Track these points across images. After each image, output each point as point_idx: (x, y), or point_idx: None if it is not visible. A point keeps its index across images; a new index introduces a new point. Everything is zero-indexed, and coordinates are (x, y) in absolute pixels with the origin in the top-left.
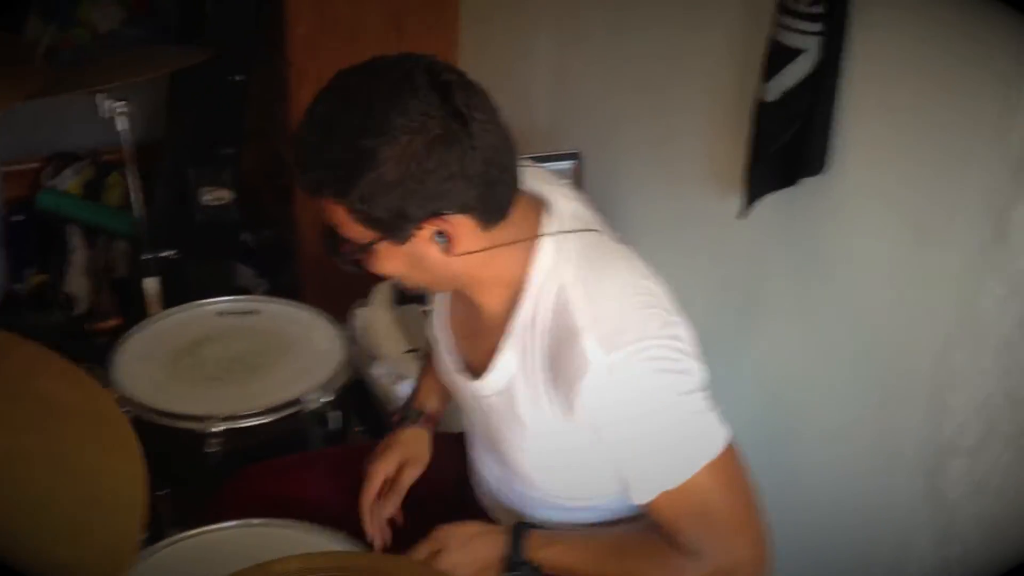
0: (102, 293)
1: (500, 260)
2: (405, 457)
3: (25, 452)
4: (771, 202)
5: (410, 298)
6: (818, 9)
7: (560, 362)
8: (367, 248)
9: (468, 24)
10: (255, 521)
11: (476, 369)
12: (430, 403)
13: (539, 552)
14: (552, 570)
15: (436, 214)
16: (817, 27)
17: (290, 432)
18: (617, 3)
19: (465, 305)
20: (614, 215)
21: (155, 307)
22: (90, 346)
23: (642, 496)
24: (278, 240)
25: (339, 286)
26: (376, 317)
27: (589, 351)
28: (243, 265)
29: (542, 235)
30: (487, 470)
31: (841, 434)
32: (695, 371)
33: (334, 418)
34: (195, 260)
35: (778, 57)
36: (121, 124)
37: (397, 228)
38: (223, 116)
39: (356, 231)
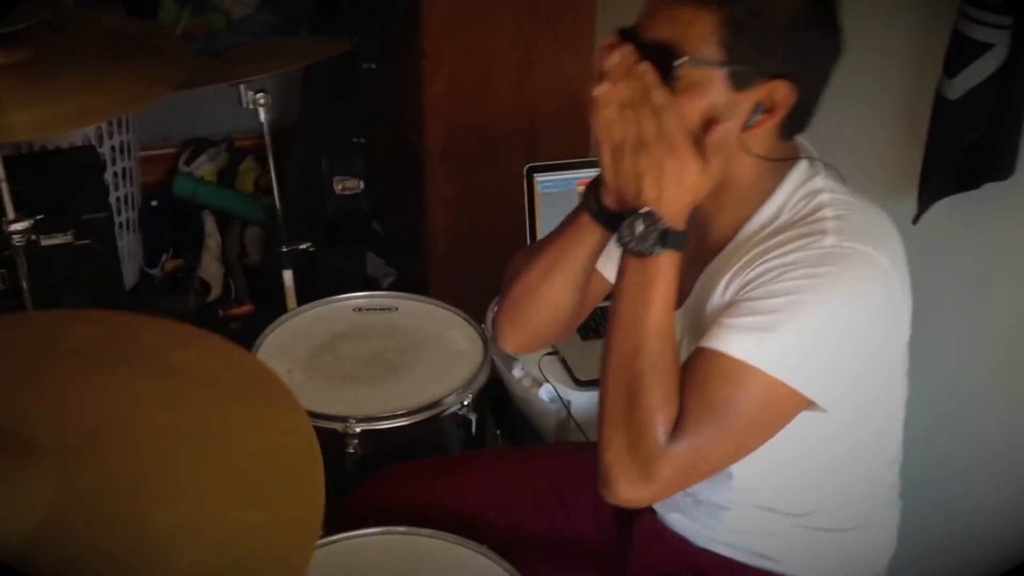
0: (234, 279)
1: (763, 167)
2: None
3: (185, 427)
4: (947, 205)
5: None
6: None
7: (791, 234)
8: (699, 65)
9: (605, 9)
10: (399, 529)
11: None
12: None
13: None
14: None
15: (786, 75)
16: (1006, 20)
17: (429, 435)
18: None
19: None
20: None
21: (291, 300)
22: (223, 332)
23: (718, 340)
24: (407, 229)
25: (468, 277)
26: None
27: (829, 228)
28: (372, 254)
29: (801, 158)
30: None
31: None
32: (896, 324)
33: (473, 421)
34: (326, 249)
35: (962, 52)
36: (262, 115)
37: (749, 67)
38: (355, 105)
39: (706, 50)
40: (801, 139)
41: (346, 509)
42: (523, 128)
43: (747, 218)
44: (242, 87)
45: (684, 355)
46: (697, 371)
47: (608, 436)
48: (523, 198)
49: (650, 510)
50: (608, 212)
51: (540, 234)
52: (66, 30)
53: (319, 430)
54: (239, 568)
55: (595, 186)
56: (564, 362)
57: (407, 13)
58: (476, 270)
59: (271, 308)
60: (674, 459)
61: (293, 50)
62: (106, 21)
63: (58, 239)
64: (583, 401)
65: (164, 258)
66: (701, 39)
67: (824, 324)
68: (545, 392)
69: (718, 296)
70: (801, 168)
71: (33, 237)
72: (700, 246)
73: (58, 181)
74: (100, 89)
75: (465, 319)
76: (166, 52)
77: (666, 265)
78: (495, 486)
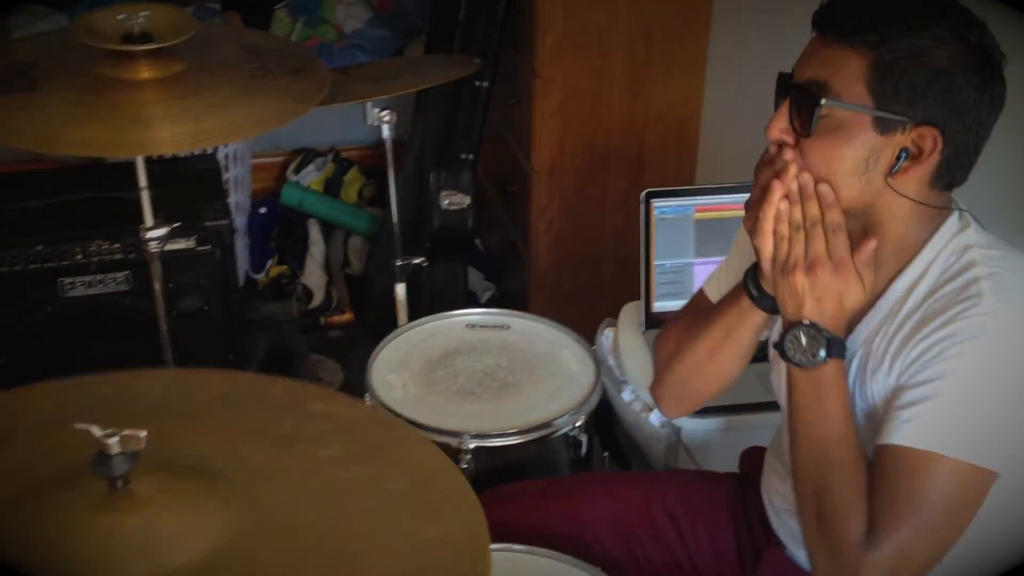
0: (336, 287)
1: (914, 219)
2: None
3: (347, 458)
4: None
5: (657, 322)
6: None
7: (942, 301)
8: (845, 106)
9: (719, 32)
10: (517, 547)
11: None
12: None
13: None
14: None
15: (934, 123)
16: None
17: (539, 454)
18: None
19: None
20: None
21: (402, 313)
22: (323, 339)
23: (894, 434)
24: (508, 246)
25: (568, 295)
26: (625, 340)
27: (985, 287)
28: (472, 268)
29: (956, 208)
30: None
31: None
32: None
33: (584, 443)
34: (432, 263)
35: None
36: (386, 131)
37: (896, 112)
38: (465, 121)
39: (853, 91)
40: (951, 193)
41: None
42: (631, 150)
43: (898, 272)
44: (368, 104)
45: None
46: (882, 470)
47: (811, 552)
48: (639, 223)
49: (779, 544)
50: (771, 299)
51: (655, 259)
52: (212, 46)
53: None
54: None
55: (754, 272)
56: None
57: (521, 33)
58: (577, 289)
59: (370, 317)
60: (877, 565)
61: (417, 69)
62: (246, 38)
63: (181, 244)
64: (694, 427)
65: (269, 264)
66: (850, 80)
67: (996, 393)
68: (656, 417)
69: (882, 376)
70: (952, 221)
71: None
72: None
73: (182, 188)
74: (244, 106)
75: (576, 339)
76: (306, 69)
77: (835, 373)
78: (609, 511)
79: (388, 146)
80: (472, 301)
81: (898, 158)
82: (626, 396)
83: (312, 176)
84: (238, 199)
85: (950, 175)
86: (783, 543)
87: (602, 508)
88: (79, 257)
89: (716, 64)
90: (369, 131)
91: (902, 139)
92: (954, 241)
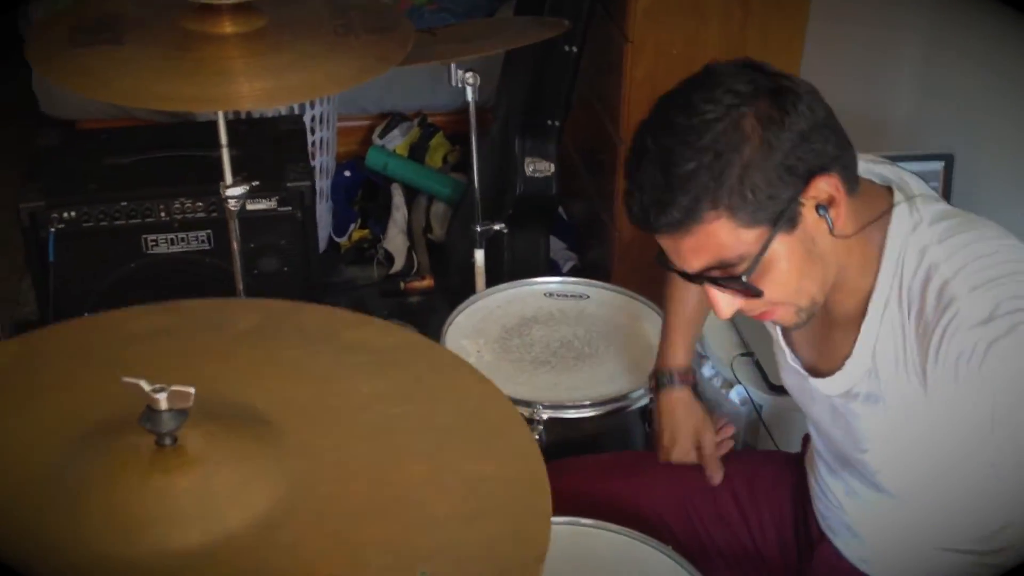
0: (417, 253)
1: (860, 240)
2: (693, 431)
3: (391, 392)
4: None
5: None
6: None
7: (925, 320)
8: (761, 256)
9: (818, 7)
10: (584, 521)
11: (823, 372)
12: (678, 357)
13: None
14: None
15: (812, 173)
16: None
17: (613, 427)
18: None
19: None
20: None
21: (480, 280)
22: (403, 304)
23: None
24: (592, 215)
25: (652, 268)
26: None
27: (955, 290)
28: (554, 237)
29: (896, 204)
30: (843, 499)
31: None
32: None
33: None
34: (513, 231)
35: None
36: (470, 94)
37: (784, 207)
38: (553, 87)
39: (745, 242)
40: (884, 170)
41: None
42: None
43: (869, 290)
44: (453, 66)
45: (830, 429)
46: None
47: None
48: None
49: (829, 542)
50: None
51: None
52: (296, 2)
53: None
54: (491, 513)
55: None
56: (758, 364)
57: None
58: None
59: (451, 284)
60: None
61: (504, 31)
62: None
63: (262, 204)
64: (776, 406)
65: (352, 228)
66: (734, 241)
67: None
68: (736, 394)
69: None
70: (899, 219)
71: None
72: (830, 316)
73: (267, 148)
74: (326, 63)
75: (657, 312)
76: (390, 27)
77: None
78: (674, 490)
79: (471, 108)
80: (554, 270)
81: (821, 216)
82: (706, 372)
83: (397, 140)
84: (323, 162)
85: (851, 171)
86: (831, 539)
87: (667, 487)
88: (162, 215)
89: (815, 31)
90: (455, 95)
91: (808, 207)
92: (911, 242)
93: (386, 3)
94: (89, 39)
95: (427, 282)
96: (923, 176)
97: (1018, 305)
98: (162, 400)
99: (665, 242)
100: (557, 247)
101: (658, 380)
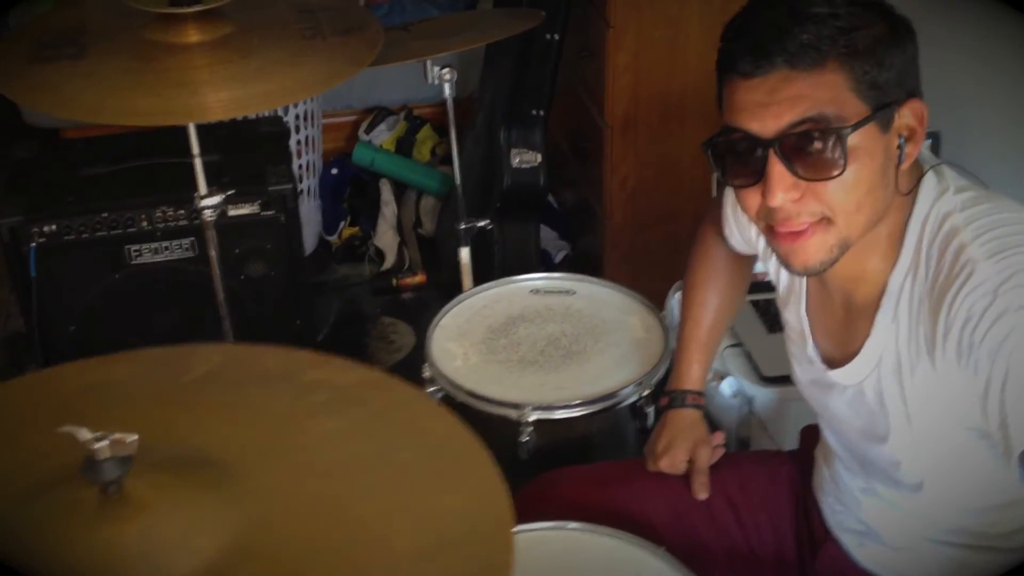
0: (408, 249)
1: (898, 208)
2: (692, 444)
3: (353, 429)
4: None
5: None
6: None
7: (939, 286)
8: (861, 125)
9: None
10: (572, 525)
11: (840, 362)
12: (692, 379)
13: None
14: None
15: (912, 94)
16: None
17: (604, 427)
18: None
19: (821, 292)
20: None
21: (467, 277)
22: (396, 301)
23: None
24: (583, 204)
25: (644, 254)
26: None
27: (972, 253)
28: (545, 227)
29: (926, 172)
30: (860, 496)
31: None
32: None
33: (651, 413)
34: (501, 223)
35: None
36: (447, 90)
37: (889, 102)
38: (535, 76)
39: (849, 107)
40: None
41: (517, 506)
42: (708, 103)
43: (893, 266)
44: (428, 62)
45: (848, 422)
46: None
47: None
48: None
49: (836, 541)
50: None
51: None
52: (262, 7)
53: (493, 416)
54: (454, 547)
55: None
56: (748, 355)
57: None
58: (653, 248)
59: (443, 279)
60: None
61: (479, 25)
62: None
63: (245, 210)
64: (768, 398)
65: (342, 225)
66: (841, 100)
67: None
68: (727, 386)
69: (925, 370)
70: (928, 186)
71: (223, 207)
72: (849, 304)
73: (247, 152)
74: (295, 68)
75: (645, 304)
76: (359, 28)
77: None
78: (669, 498)
79: (449, 104)
80: (546, 260)
81: (899, 147)
82: None
83: (384, 135)
84: (310, 160)
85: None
86: (841, 542)
87: (659, 494)
88: (144, 224)
89: None
90: (441, 87)
91: (896, 126)
92: (933, 211)
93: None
94: (51, 54)
95: (419, 278)
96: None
97: None
98: (103, 448)
99: (756, 89)
100: (549, 236)
101: (670, 399)
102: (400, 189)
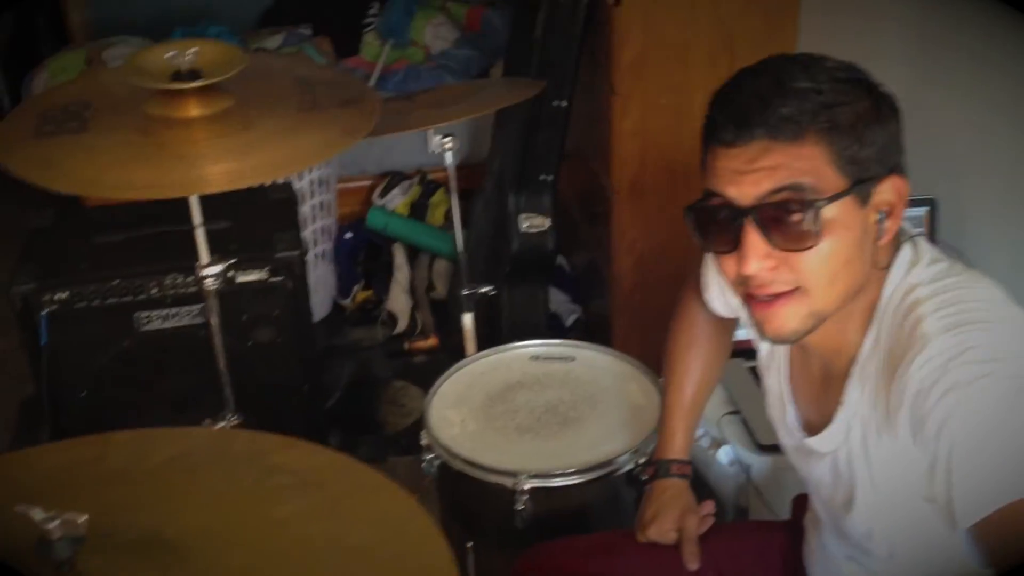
0: (420, 312)
1: (872, 283)
2: (679, 513)
3: (307, 516)
4: None
5: (734, 352)
6: None
7: (895, 357)
8: (836, 199)
9: (806, 47)
10: None
11: (818, 429)
12: (675, 448)
13: None
14: None
15: (893, 169)
16: None
17: (601, 495)
18: (985, 31)
19: (802, 359)
20: None
21: (470, 343)
22: (408, 364)
23: (967, 516)
24: (592, 266)
25: (653, 318)
26: None
27: (928, 327)
28: (556, 289)
29: (903, 242)
30: (844, 564)
31: None
32: None
33: (647, 478)
34: (510, 287)
35: None
36: (448, 159)
37: (867, 177)
38: (544, 142)
39: (826, 179)
40: None
41: None
42: None
43: (862, 340)
44: (430, 131)
45: (826, 490)
46: (990, 548)
47: None
48: None
49: None
50: None
51: None
52: (263, 79)
53: (489, 485)
54: None
55: None
56: (745, 423)
57: (599, 49)
58: (661, 312)
59: (454, 343)
60: None
61: (481, 94)
62: (300, 69)
63: (253, 276)
64: (764, 466)
65: (356, 289)
66: (820, 172)
67: (1002, 413)
68: (724, 454)
69: (889, 440)
70: (902, 257)
71: (229, 274)
72: (827, 373)
73: (256, 219)
74: (292, 140)
75: (643, 371)
76: (356, 100)
77: None
78: (658, 568)
79: (451, 173)
80: (557, 324)
81: (877, 223)
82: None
83: (398, 199)
84: (324, 224)
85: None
86: None
87: (650, 565)
88: (155, 291)
89: None
90: (455, 152)
91: (875, 201)
92: (903, 283)
93: (349, 74)
94: (53, 128)
95: (431, 341)
96: (908, 222)
97: (990, 356)
98: (55, 528)
99: (736, 157)
100: (560, 299)
101: (655, 469)
102: (414, 253)
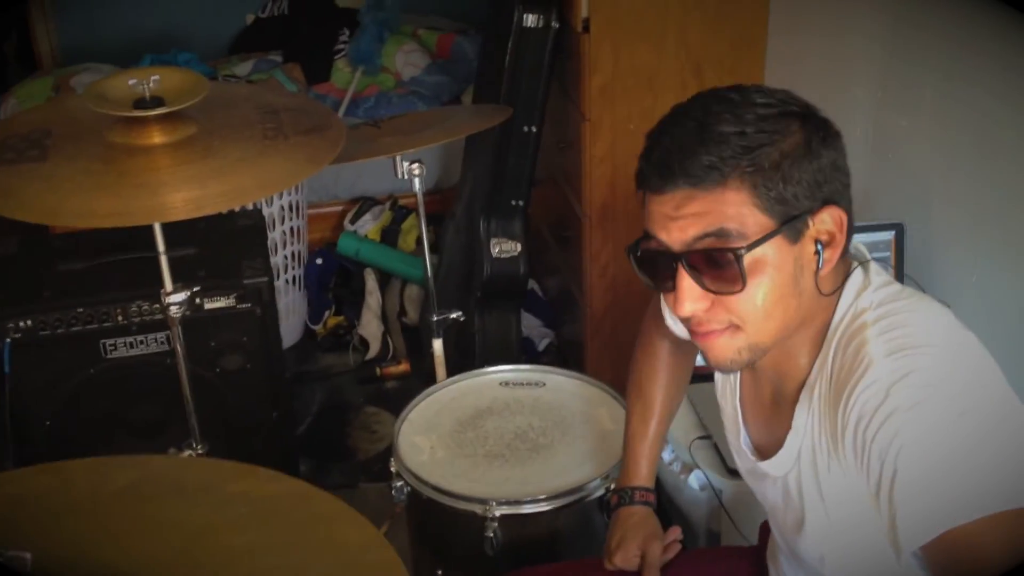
0: (392, 338)
1: (822, 308)
2: (643, 539)
3: (267, 544)
4: None
5: (703, 376)
6: None
7: (840, 381)
8: (761, 242)
9: (773, 72)
10: None
11: (770, 453)
12: (640, 476)
13: None
14: None
15: (829, 200)
16: None
17: (571, 522)
18: (952, 56)
19: (753, 382)
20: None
21: (440, 369)
22: (380, 390)
23: (911, 540)
24: (564, 291)
25: (625, 342)
26: None
27: (872, 351)
28: (529, 314)
29: (853, 268)
30: None
31: None
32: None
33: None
34: (483, 312)
35: None
36: (416, 185)
37: (797, 215)
38: (514, 167)
39: (752, 224)
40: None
41: None
42: None
43: (815, 358)
44: (397, 158)
45: (780, 516)
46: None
47: None
48: None
49: None
50: None
51: None
52: (227, 107)
53: (458, 512)
54: None
55: None
56: (716, 447)
57: (568, 76)
58: (633, 336)
59: (427, 368)
60: None
61: (449, 120)
62: (265, 97)
63: (220, 303)
64: (735, 491)
65: (327, 315)
66: (743, 216)
67: (949, 439)
68: (695, 479)
69: (837, 467)
70: (852, 282)
71: (197, 300)
72: (777, 396)
73: (224, 245)
74: (255, 168)
75: (613, 396)
76: (321, 128)
77: None
78: None
79: (420, 199)
80: (529, 348)
81: (816, 253)
82: (665, 456)
83: (369, 225)
84: (295, 250)
85: (849, 237)
86: None
87: None
88: (120, 318)
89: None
90: (427, 178)
91: (811, 233)
92: (852, 307)
93: (315, 101)
94: (14, 157)
95: (403, 367)
96: (874, 246)
97: (932, 380)
98: None
99: (664, 203)
100: (533, 324)
101: (619, 497)
102: (385, 278)
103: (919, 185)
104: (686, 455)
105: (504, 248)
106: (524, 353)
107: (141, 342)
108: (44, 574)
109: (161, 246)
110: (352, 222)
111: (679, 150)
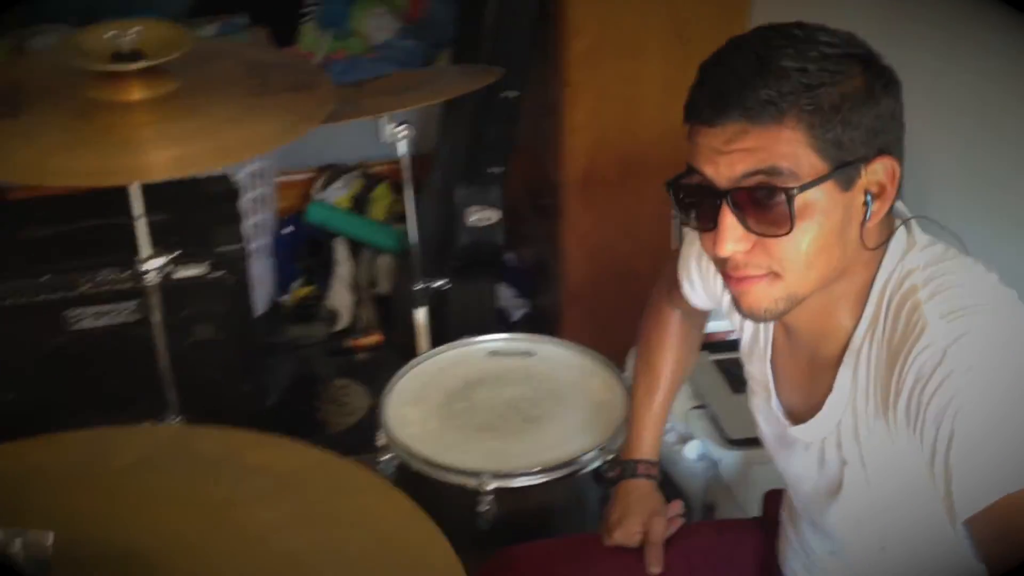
0: (363, 308)
1: (866, 259)
2: (645, 515)
3: (295, 518)
4: None
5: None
6: None
7: (895, 345)
8: (813, 185)
9: None
10: None
11: (804, 418)
12: (644, 449)
13: None
14: None
15: (883, 151)
16: None
17: (567, 493)
18: (945, 34)
19: (788, 344)
20: None
21: (423, 339)
22: (350, 363)
23: (966, 507)
24: (541, 261)
25: (603, 312)
26: None
27: (925, 313)
28: (504, 285)
29: (896, 227)
30: (827, 560)
31: None
32: None
33: (613, 479)
34: (459, 282)
35: None
36: (402, 148)
37: (851, 161)
38: (493, 134)
39: (805, 165)
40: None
41: None
42: (667, 160)
43: (857, 321)
44: (383, 120)
45: (810, 484)
46: (984, 541)
47: None
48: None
49: None
50: None
51: None
52: (210, 62)
53: (451, 486)
54: None
55: None
56: (713, 417)
57: (550, 40)
58: (611, 306)
59: (399, 339)
60: None
61: (435, 82)
62: (249, 53)
63: (192, 271)
64: (733, 461)
65: (295, 286)
66: (797, 156)
67: (1005, 404)
68: (692, 449)
69: (881, 431)
70: (897, 242)
71: (168, 269)
72: (814, 358)
73: (195, 212)
74: (243, 125)
75: (605, 365)
76: (309, 85)
77: None
78: (625, 572)
79: (405, 163)
80: (503, 319)
81: (865, 204)
82: None
83: (339, 193)
84: (263, 219)
85: (898, 192)
86: None
87: (615, 569)
88: (87, 287)
89: None
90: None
91: (863, 183)
92: (899, 268)
93: (307, 61)
94: None
95: (375, 338)
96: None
97: (987, 342)
98: (16, 546)
99: (714, 136)
100: (507, 294)
101: (622, 470)
102: (356, 248)
103: (913, 180)
104: (682, 426)
105: (481, 216)
106: (500, 324)
107: (108, 312)
108: (66, 555)
109: (139, 209)
110: (322, 190)
111: (736, 81)
